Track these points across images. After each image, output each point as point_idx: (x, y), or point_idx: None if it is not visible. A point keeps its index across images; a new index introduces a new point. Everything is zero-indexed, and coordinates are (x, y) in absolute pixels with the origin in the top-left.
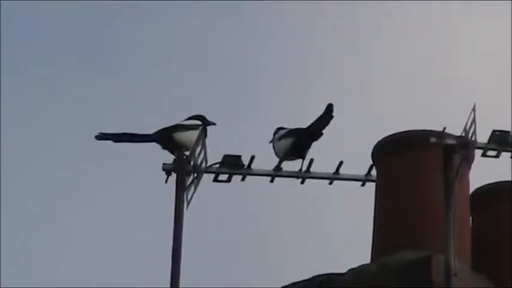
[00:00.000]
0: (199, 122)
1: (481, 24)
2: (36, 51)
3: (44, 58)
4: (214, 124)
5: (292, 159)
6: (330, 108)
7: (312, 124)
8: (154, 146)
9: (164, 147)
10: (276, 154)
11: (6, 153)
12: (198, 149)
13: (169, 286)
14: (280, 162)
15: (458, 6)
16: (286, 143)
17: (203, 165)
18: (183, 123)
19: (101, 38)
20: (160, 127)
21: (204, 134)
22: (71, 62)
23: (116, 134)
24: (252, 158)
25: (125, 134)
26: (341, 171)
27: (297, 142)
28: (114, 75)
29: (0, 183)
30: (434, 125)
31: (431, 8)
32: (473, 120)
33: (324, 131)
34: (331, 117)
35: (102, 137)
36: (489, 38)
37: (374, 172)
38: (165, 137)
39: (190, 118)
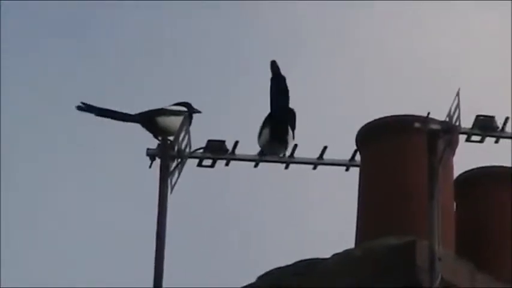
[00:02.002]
0: (184, 109)
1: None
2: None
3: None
4: (199, 112)
5: (280, 148)
6: (275, 72)
7: (271, 106)
8: (137, 128)
9: (147, 130)
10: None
11: None
12: (182, 134)
13: (153, 271)
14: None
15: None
16: (265, 137)
17: (187, 150)
18: (168, 107)
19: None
20: (144, 109)
21: (188, 120)
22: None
23: (99, 108)
24: (236, 143)
25: (107, 110)
26: (325, 156)
27: (272, 131)
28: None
29: None
30: (418, 110)
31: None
32: (458, 106)
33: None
34: (280, 84)
35: (84, 108)
36: (474, 28)
37: (358, 157)
38: (149, 120)
39: (176, 104)
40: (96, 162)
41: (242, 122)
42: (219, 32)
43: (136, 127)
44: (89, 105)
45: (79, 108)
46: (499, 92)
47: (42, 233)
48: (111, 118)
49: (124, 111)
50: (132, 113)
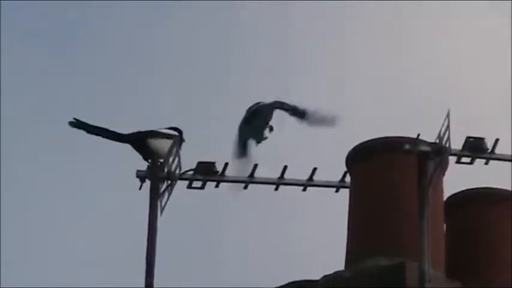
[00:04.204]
0: (175, 132)
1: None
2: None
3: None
4: (183, 141)
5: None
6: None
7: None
8: (128, 148)
9: (137, 151)
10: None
11: None
12: (172, 156)
13: None
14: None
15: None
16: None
17: (177, 172)
18: (159, 130)
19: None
20: (131, 129)
21: (179, 143)
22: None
23: (91, 126)
24: (226, 164)
25: (99, 128)
26: (315, 177)
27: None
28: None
29: None
30: (408, 132)
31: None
32: (448, 127)
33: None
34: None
35: (76, 124)
36: (465, 45)
37: (348, 178)
38: (140, 141)
39: (168, 128)
40: (85, 181)
41: (232, 143)
42: (212, 54)
43: (127, 148)
44: (81, 122)
45: (71, 124)
46: (490, 112)
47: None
48: (102, 136)
49: (113, 129)
50: (124, 132)
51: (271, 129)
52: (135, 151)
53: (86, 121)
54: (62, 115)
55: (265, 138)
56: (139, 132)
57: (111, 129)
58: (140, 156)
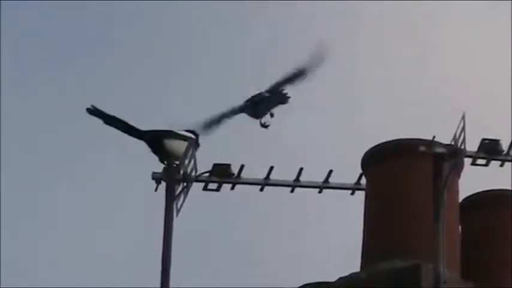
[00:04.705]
0: (191, 135)
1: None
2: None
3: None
4: (199, 146)
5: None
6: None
7: None
8: (143, 150)
9: (152, 150)
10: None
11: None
12: (188, 157)
13: None
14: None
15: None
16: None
17: (193, 174)
18: (176, 131)
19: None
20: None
21: (195, 145)
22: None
23: (108, 115)
24: (242, 166)
25: (117, 118)
26: (331, 180)
27: None
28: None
29: None
30: (424, 133)
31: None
32: (463, 129)
33: None
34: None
35: (93, 111)
36: (481, 46)
37: (363, 181)
38: (156, 140)
39: (185, 131)
40: (100, 181)
41: (248, 145)
42: (227, 56)
43: (143, 149)
44: (99, 110)
45: (88, 110)
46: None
47: (43, 253)
48: (118, 129)
49: (132, 123)
50: (141, 128)
51: (272, 115)
52: (150, 153)
53: (102, 110)
54: (62, 116)
55: (268, 125)
56: (156, 131)
57: (129, 122)
58: (154, 158)
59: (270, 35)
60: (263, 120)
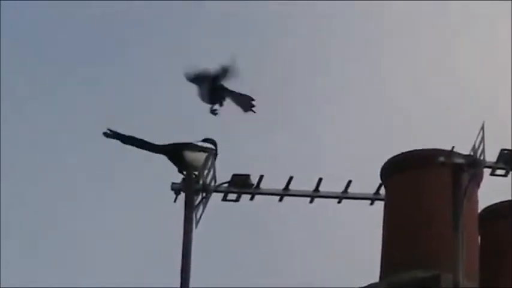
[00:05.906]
0: (211, 145)
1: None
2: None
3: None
4: (217, 154)
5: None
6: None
7: None
8: (161, 161)
9: (172, 162)
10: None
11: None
12: (207, 168)
13: None
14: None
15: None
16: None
17: (212, 184)
18: (195, 142)
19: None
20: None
21: (214, 156)
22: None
23: (125, 136)
24: (261, 177)
25: (134, 138)
26: (350, 190)
27: None
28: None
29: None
30: (443, 143)
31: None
32: (482, 139)
33: None
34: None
35: (110, 135)
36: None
37: (383, 191)
38: (176, 153)
39: (203, 140)
40: (119, 193)
41: (267, 156)
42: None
43: (161, 161)
44: (116, 132)
45: (105, 134)
46: None
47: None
48: (137, 147)
49: (150, 140)
50: (159, 143)
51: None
52: (168, 164)
53: (119, 132)
54: (64, 116)
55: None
56: (175, 144)
57: (146, 140)
58: (173, 169)
59: None
60: (214, 107)
